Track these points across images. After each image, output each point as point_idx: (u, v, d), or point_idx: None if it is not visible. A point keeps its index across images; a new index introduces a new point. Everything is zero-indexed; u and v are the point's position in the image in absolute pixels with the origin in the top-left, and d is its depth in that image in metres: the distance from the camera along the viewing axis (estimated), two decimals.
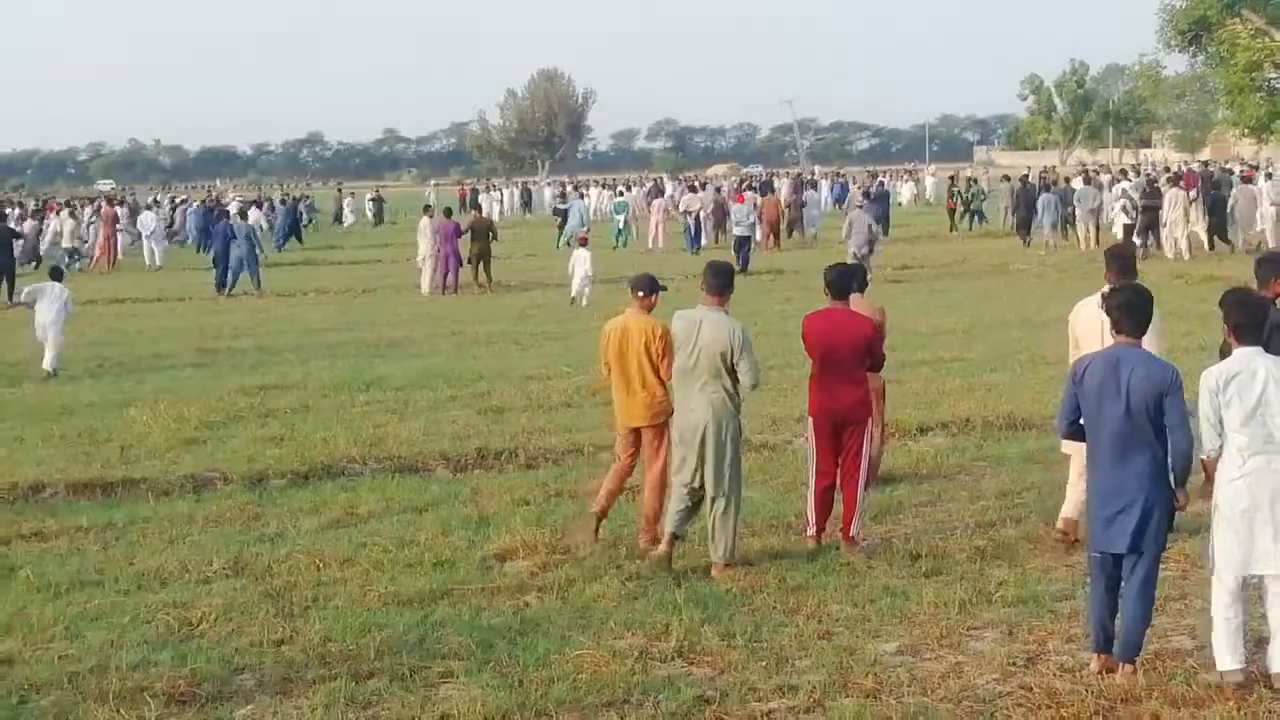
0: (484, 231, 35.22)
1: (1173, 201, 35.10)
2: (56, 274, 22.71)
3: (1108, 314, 8.45)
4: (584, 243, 31.85)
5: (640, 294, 11.20)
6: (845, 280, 11.31)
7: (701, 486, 10.47)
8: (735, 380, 10.43)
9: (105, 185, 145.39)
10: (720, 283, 10.66)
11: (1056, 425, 8.70)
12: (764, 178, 75.61)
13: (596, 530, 11.22)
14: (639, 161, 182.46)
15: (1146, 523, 7.99)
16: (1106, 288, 9.74)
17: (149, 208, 54.94)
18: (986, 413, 15.52)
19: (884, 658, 8.47)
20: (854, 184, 62.26)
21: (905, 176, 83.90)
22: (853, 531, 10.87)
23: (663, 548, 10.59)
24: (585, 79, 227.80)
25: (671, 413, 10.79)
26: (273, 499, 13.10)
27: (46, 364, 20.92)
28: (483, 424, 16.07)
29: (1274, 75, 40.55)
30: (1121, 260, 10.36)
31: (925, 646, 8.64)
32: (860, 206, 37.78)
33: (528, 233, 57.40)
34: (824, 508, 11.00)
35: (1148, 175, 46.80)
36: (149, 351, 23.81)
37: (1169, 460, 8.00)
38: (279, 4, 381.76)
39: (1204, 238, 35.19)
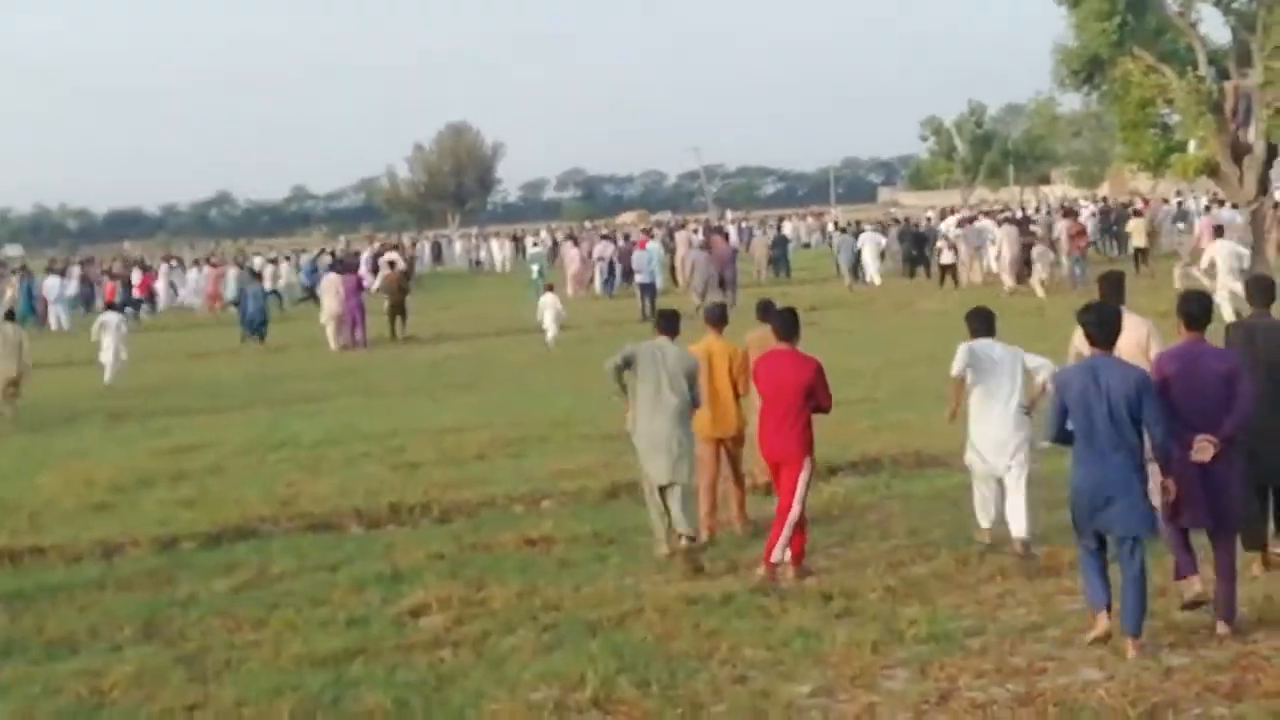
0: (398, 285, 35.61)
1: (1009, 236, 38.70)
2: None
3: (1084, 330, 9.51)
4: (550, 289, 33.67)
5: (716, 323, 13.19)
6: (792, 324, 11.87)
7: (661, 480, 12.09)
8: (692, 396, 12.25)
9: (14, 250, 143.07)
10: (668, 321, 12.71)
11: (1047, 431, 9.51)
12: (673, 224, 76.14)
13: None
14: (549, 212, 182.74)
15: (1132, 508, 8.98)
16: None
17: (54, 272, 54.45)
18: (895, 452, 15.69)
19: (798, 700, 8.52)
20: (759, 229, 63.30)
21: (810, 219, 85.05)
22: (773, 558, 11.24)
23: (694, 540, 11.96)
24: (493, 131, 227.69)
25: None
26: (184, 562, 13.00)
27: None
28: (396, 479, 16.04)
29: (1166, 111, 41.19)
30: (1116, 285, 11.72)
31: (839, 688, 8.70)
32: (701, 248, 41.30)
33: (438, 285, 57.35)
34: (783, 537, 11.38)
35: (1012, 214, 50.56)
36: (59, 415, 23.59)
37: (1146, 451, 9.07)
38: (182, 63, 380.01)
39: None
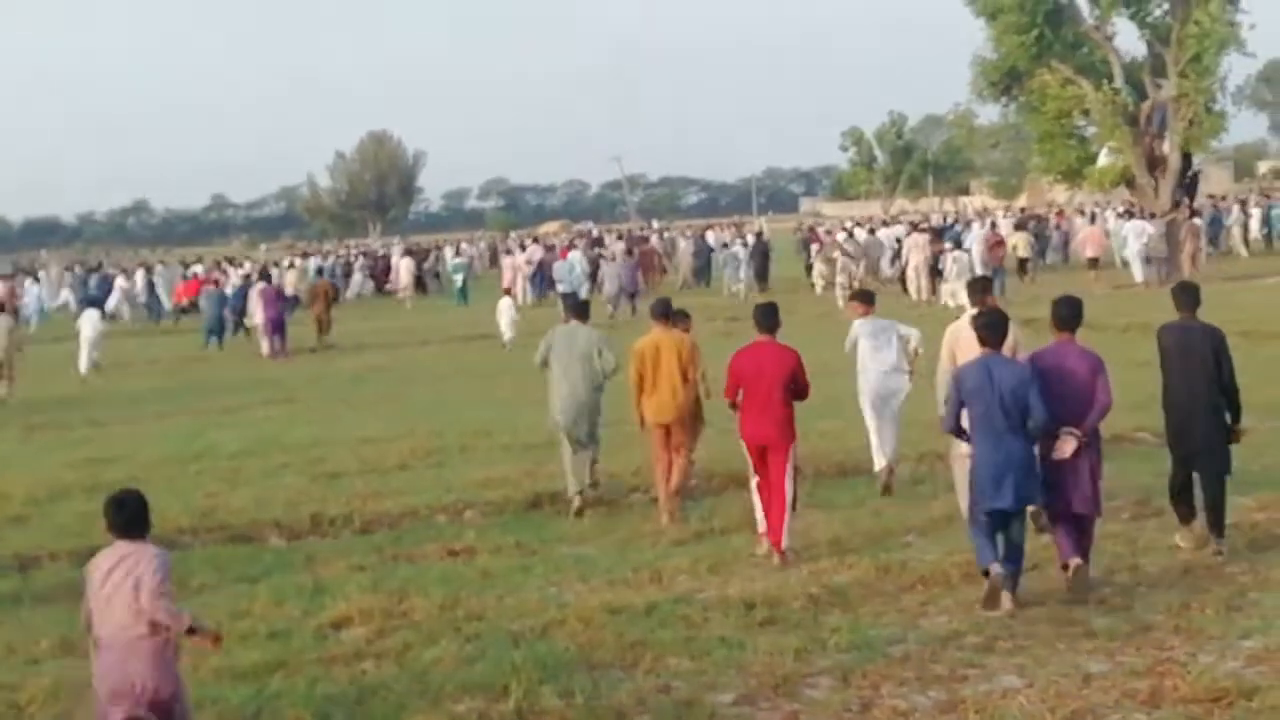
0: (324, 294, 35.96)
1: (918, 244, 39.31)
2: None
3: (976, 333, 10.77)
4: (508, 292, 34.91)
5: (662, 317, 14.26)
6: (772, 317, 12.86)
7: (582, 440, 14.74)
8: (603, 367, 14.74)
9: None
10: (578, 308, 15.62)
11: (944, 424, 10.83)
12: (594, 234, 76.24)
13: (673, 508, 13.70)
14: (471, 221, 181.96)
15: (1027, 481, 10.31)
16: (974, 312, 11.89)
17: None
18: (818, 461, 15.73)
19: (721, 709, 8.53)
20: (682, 238, 63.80)
21: (732, 229, 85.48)
22: (784, 545, 12.00)
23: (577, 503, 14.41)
24: (415, 139, 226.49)
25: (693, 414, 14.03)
26: None
27: None
28: (316, 490, 15.93)
29: (1083, 123, 41.67)
30: (981, 288, 12.74)
31: (762, 696, 8.72)
32: (626, 255, 43.25)
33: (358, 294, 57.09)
34: (771, 520, 12.22)
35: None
36: None
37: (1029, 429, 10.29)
38: (99, 71, 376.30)
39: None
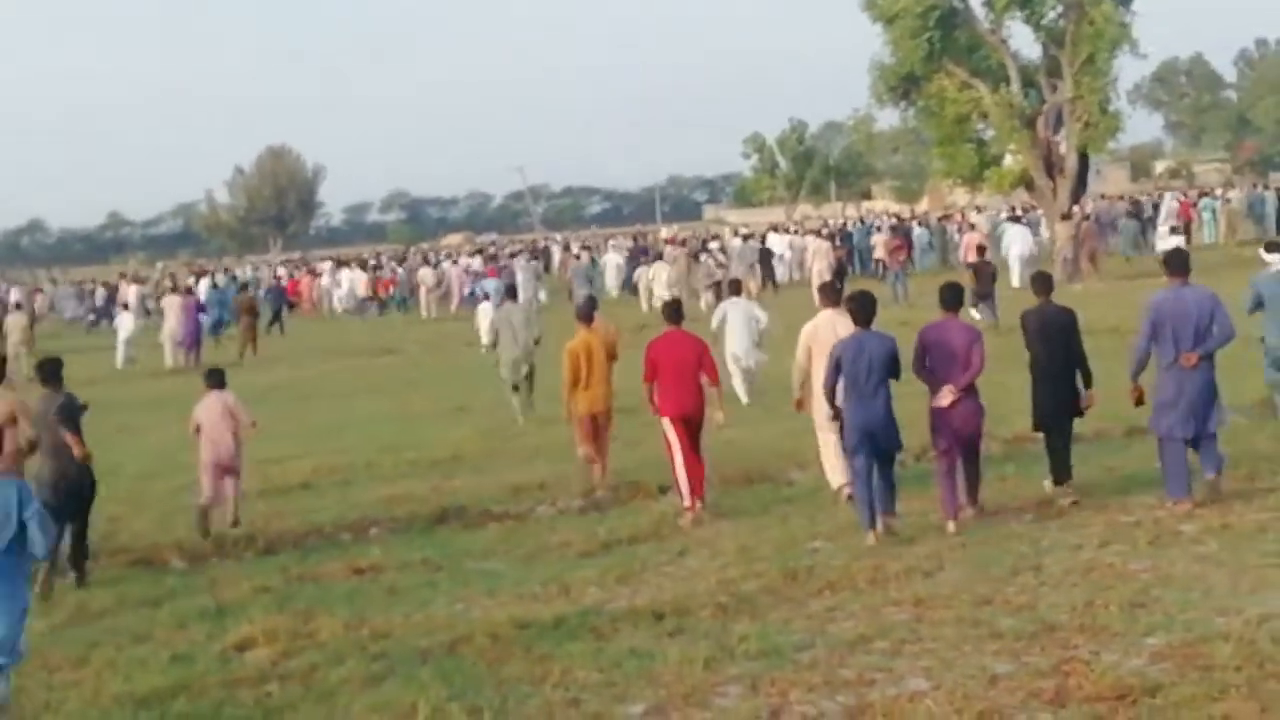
0: (250, 307, 38.30)
1: (820, 250, 40.97)
2: None
3: (851, 314, 12.92)
4: (487, 297, 35.80)
5: (588, 320, 16.08)
6: (678, 310, 15.02)
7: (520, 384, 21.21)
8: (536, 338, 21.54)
9: None
10: (510, 292, 24.97)
11: (824, 395, 12.84)
12: (497, 246, 76.24)
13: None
14: (373, 235, 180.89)
15: (890, 434, 12.56)
16: (826, 312, 14.36)
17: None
18: (724, 469, 15.74)
19: None
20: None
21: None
22: (705, 495, 14.14)
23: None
24: (315, 153, 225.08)
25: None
26: None
27: None
28: (217, 511, 15.71)
29: (982, 126, 42.05)
30: (833, 293, 15.04)
31: (672, 707, 8.68)
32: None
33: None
34: (695, 479, 14.07)
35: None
36: None
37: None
38: None
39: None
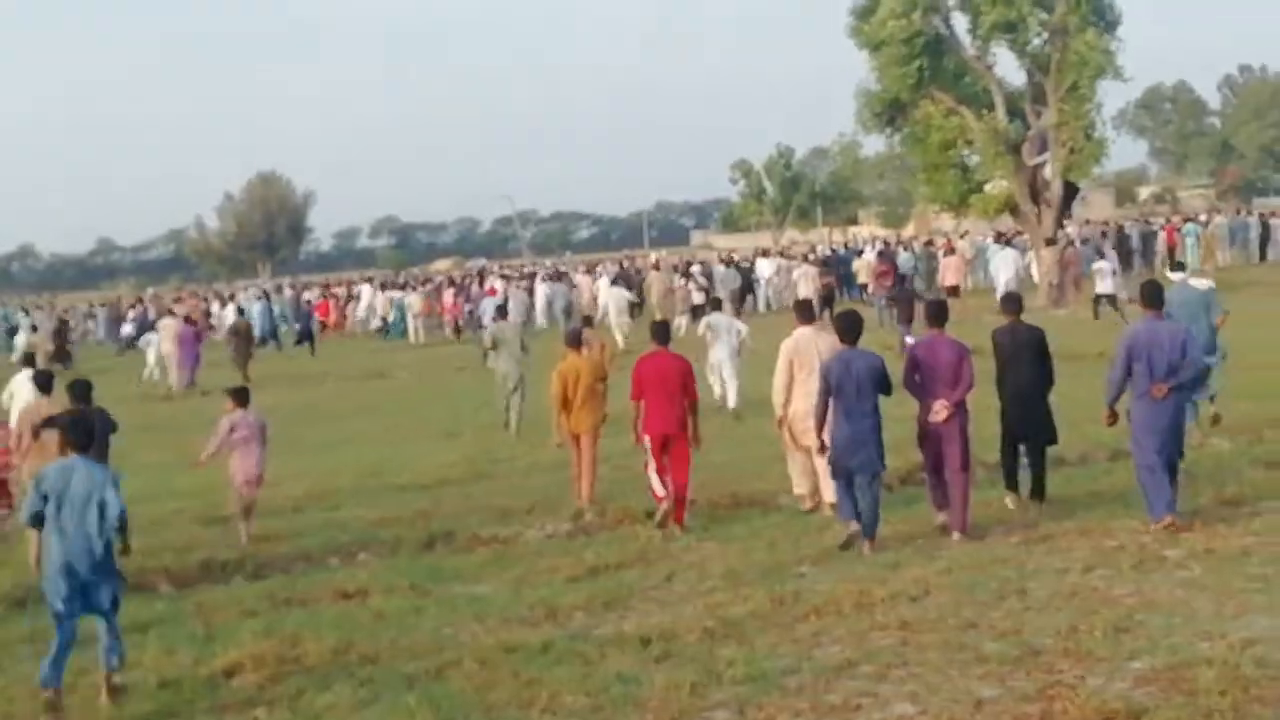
0: (246, 333, 38.39)
1: (807, 275, 41.76)
2: None
3: (838, 332, 13.39)
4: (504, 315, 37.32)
5: (577, 345, 16.95)
6: (665, 331, 15.73)
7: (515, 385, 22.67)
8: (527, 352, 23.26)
9: None
10: (502, 311, 27.05)
11: (815, 411, 13.35)
12: (483, 270, 76.37)
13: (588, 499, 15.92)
14: (362, 260, 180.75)
15: (874, 453, 12.97)
16: (804, 329, 14.91)
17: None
18: (711, 493, 15.77)
19: None
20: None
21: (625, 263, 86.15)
22: (685, 520, 14.52)
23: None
24: (304, 179, 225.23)
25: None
26: None
27: None
28: (208, 536, 15.75)
29: (967, 152, 42.22)
30: (808, 310, 15.84)
31: None
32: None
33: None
34: (678, 498, 14.56)
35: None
36: None
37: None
38: None
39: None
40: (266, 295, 59.48)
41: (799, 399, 14.42)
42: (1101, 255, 39.98)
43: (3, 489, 16.47)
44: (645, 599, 11.96)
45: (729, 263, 52.56)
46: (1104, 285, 35.14)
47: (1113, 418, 13.36)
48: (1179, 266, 21.88)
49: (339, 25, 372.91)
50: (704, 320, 24.77)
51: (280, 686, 10.15)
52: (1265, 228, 53.46)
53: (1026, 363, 14.10)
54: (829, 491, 14.12)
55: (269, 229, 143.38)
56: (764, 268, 51.51)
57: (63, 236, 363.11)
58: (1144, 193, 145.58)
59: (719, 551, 13.43)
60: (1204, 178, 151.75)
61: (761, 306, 48.71)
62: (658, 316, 33.47)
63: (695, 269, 52.10)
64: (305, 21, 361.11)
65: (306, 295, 62.98)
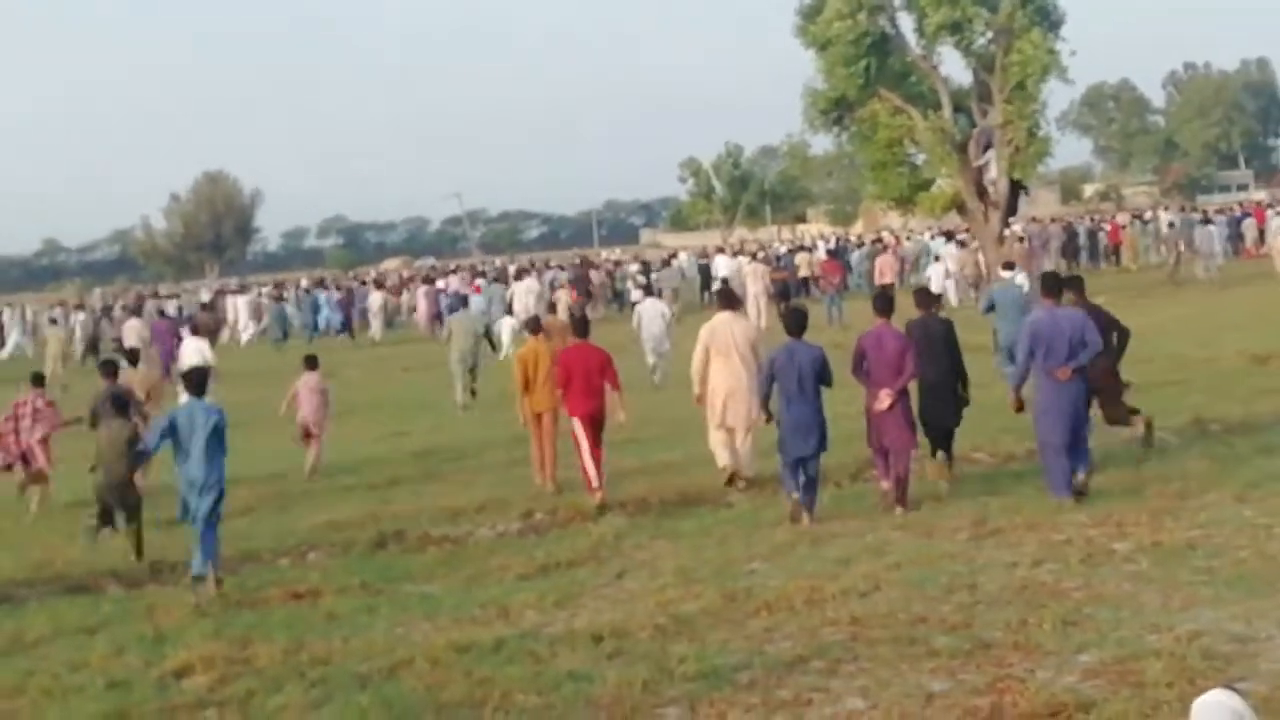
0: (214, 331, 38.09)
1: (756, 273, 41.81)
2: None
3: (785, 326, 14.54)
4: (510, 311, 39.69)
5: (536, 331, 18.39)
6: (585, 325, 17.36)
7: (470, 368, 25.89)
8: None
9: None
10: (464, 301, 34.05)
11: (759, 394, 14.50)
12: (435, 269, 76.27)
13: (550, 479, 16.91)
14: (311, 260, 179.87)
15: (819, 437, 13.99)
16: (723, 314, 16.57)
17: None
18: (663, 491, 15.82)
19: None
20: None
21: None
22: (602, 485, 15.78)
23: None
24: (252, 178, 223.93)
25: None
26: None
27: None
28: (156, 537, 15.62)
29: (914, 151, 42.36)
30: (730, 297, 17.88)
31: None
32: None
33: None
34: (600, 469, 15.86)
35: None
36: None
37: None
38: None
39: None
40: (323, 285, 60.26)
41: (715, 378, 15.88)
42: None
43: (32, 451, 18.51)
44: (597, 596, 11.97)
45: (666, 262, 56.05)
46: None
47: (1019, 404, 14.49)
48: (1009, 266, 26.01)
49: (285, 24, 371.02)
50: (635, 312, 29.39)
51: (231, 688, 10.10)
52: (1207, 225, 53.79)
53: (938, 354, 14.96)
54: (748, 467, 15.85)
55: (216, 229, 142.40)
56: (721, 265, 52.41)
57: (7, 238, 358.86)
58: (1089, 190, 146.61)
59: (670, 549, 13.45)
60: (1148, 175, 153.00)
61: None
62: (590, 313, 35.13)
63: (633, 268, 55.18)
64: (251, 20, 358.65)
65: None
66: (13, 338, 53.27)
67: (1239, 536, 11.89)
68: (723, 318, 16.29)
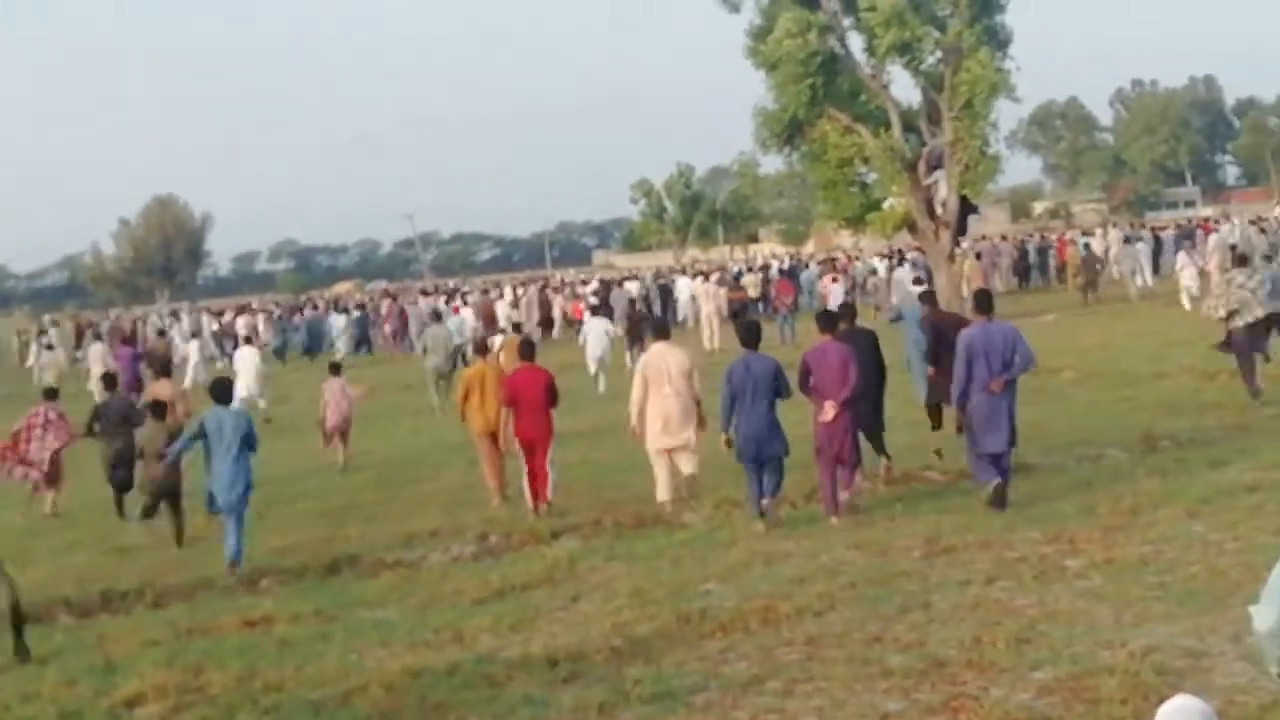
0: (162, 358, 37.62)
1: (708, 294, 42.44)
2: None
3: (740, 340, 15.38)
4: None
5: (484, 352, 19.76)
6: (531, 348, 18.03)
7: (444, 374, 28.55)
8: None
9: None
10: (438, 315, 35.55)
11: (721, 413, 14.83)
12: (388, 292, 76.33)
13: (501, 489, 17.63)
14: (262, 284, 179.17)
15: (775, 443, 14.64)
16: (657, 345, 16.86)
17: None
18: (617, 513, 15.81)
19: None
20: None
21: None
22: (548, 499, 16.55)
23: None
24: (202, 202, 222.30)
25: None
26: None
27: None
28: (108, 565, 15.57)
29: (864, 170, 42.52)
30: (663, 327, 18.13)
31: None
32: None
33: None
34: (535, 489, 16.58)
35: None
36: None
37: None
38: None
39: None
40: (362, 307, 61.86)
41: (651, 408, 16.18)
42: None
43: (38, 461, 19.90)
44: (552, 620, 11.94)
45: (620, 283, 58.97)
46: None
47: (964, 416, 14.96)
48: (918, 282, 30.34)
49: (234, 47, 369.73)
50: (582, 330, 32.61)
51: (183, 717, 10.04)
52: (1157, 242, 54.24)
53: (864, 364, 15.56)
54: (663, 490, 16.18)
55: (166, 253, 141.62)
56: (682, 286, 53.60)
57: None
58: (1039, 208, 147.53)
59: (625, 571, 13.44)
60: (1097, 192, 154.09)
61: (682, 319, 50.47)
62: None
63: (590, 288, 56.66)
64: (200, 44, 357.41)
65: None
66: None
67: (1190, 552, 11.96)
68: (657, 348, 16.67)
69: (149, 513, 17.21)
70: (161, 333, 52.27)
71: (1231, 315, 20.00)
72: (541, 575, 13.46)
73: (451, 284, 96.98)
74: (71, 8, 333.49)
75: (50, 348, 45.85)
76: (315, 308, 64.74)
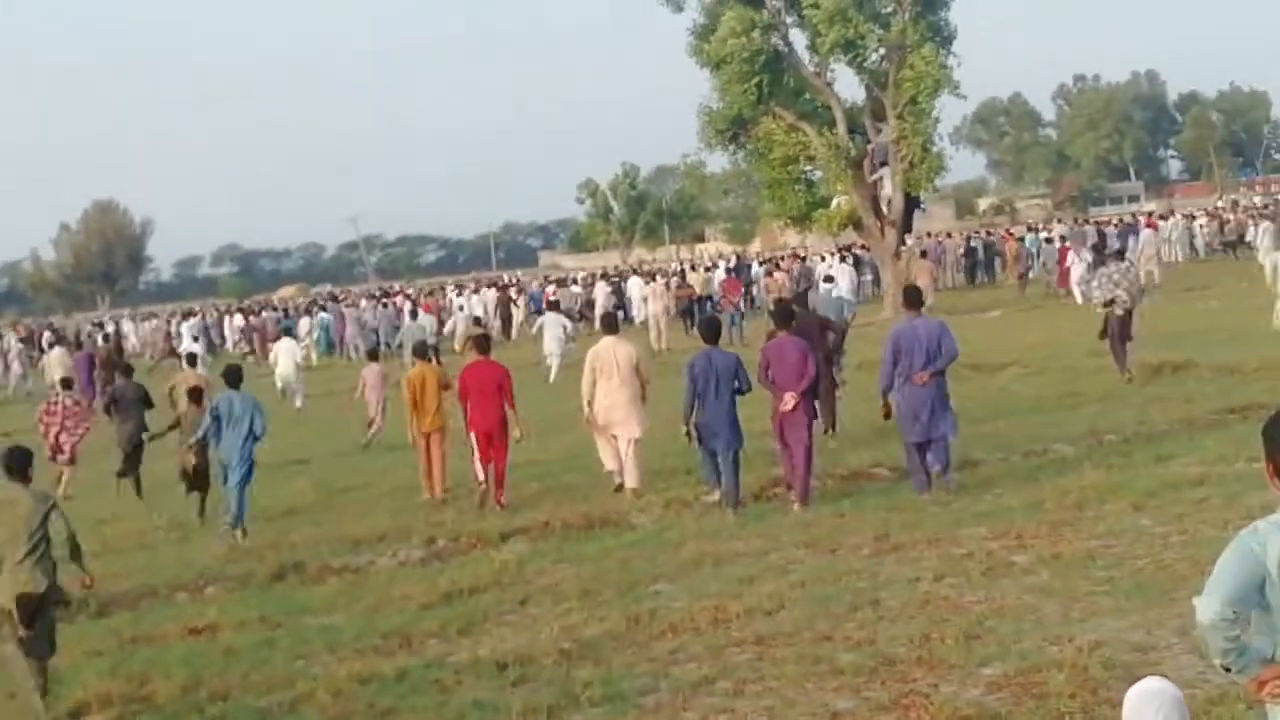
0: (115, 363, 37.53)
1: (655, 293, 42.52)
2: None
3: (701, 335, 16.34)
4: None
5: (423, 357, 20.03)
6: (486, 343, 18.64)
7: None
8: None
9: None
10: (414, 312, 40.08)
11: (684, 404, 15.50)
12: (330, 297, 76.10)
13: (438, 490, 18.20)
14: (204, 289, 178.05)
15: (731, 434, 15.26)
16: (606, 339, 17.58)
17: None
18: (565, 515, 15.75)
19: None
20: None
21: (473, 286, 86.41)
22: (503, 498, 16.89)
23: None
24: (143, 207, 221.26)
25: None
26: None
27: None
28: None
29: (809, 168, 42.65)
30: (611, 322, 19.01)
31: None
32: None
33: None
34: (499, 478, 16.94)
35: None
36: None
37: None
38: None
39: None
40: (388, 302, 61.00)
41: (600, 398, 16.83)
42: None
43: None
44: (500, 623, 11.87)
45: (574, 281, 61.97)
46: None
47: (886, 409, 15.62)
48: (830, 279, 33.00)
49: (173, 51, 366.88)
50: (538, 322, 34.79)
51: None
52: (1101, 236, 54.59)
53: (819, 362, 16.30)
54: (632, 478, 16.68)
55: (107, 259, 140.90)
56: (634, 286, 53.53)
57: None
58: (983, 204, 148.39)
59: (573, 572, 13.38)
60: (1041, 188, 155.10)
61: (633, 317, 50.05)
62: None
63: (550, 288, 57.70)
64: (138, 47, 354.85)
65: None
66: None
67: (1137, 546, 12.01)
68: (606, 342, 17.42)
69: (191, 488, 18.69)
70: (106, 337, 52.18)
71: (1109, 304, 22.20)
72: (490, 578, 13.38)
73: (396, 284, 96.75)
74: (6, 11, 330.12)
75: (54, 345, 46.45)
76: (286, 311, 64.22)
